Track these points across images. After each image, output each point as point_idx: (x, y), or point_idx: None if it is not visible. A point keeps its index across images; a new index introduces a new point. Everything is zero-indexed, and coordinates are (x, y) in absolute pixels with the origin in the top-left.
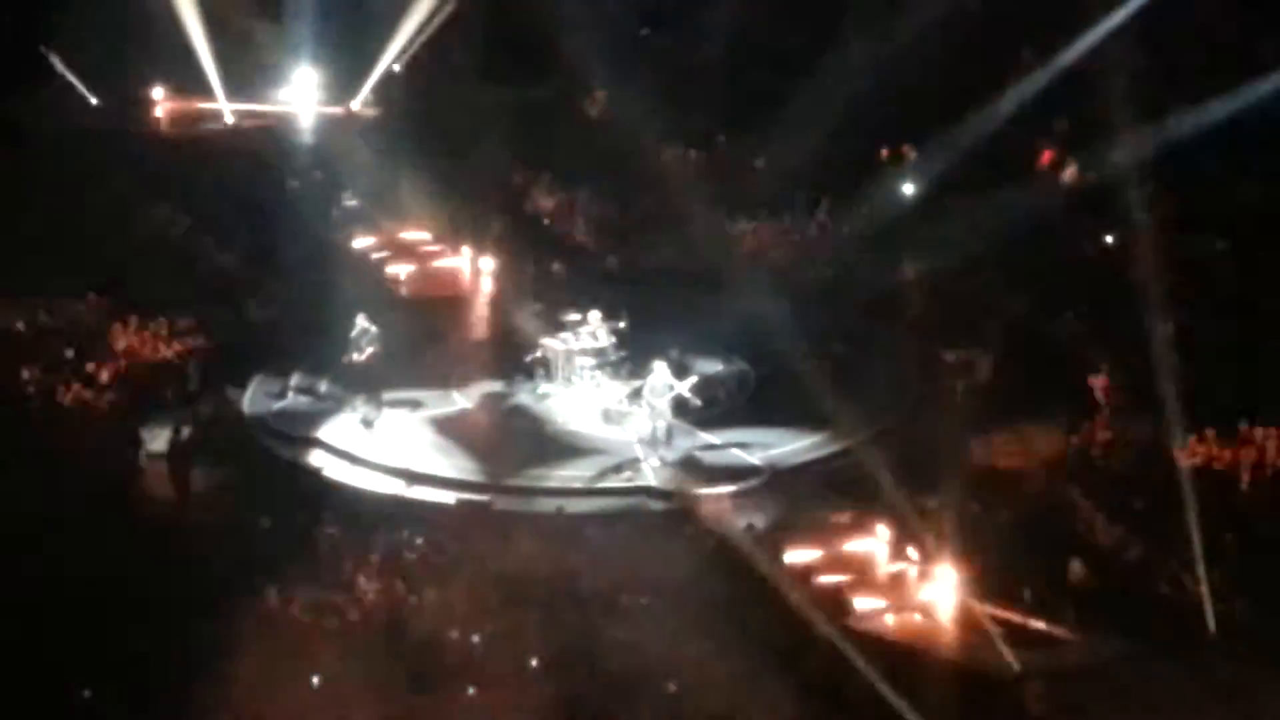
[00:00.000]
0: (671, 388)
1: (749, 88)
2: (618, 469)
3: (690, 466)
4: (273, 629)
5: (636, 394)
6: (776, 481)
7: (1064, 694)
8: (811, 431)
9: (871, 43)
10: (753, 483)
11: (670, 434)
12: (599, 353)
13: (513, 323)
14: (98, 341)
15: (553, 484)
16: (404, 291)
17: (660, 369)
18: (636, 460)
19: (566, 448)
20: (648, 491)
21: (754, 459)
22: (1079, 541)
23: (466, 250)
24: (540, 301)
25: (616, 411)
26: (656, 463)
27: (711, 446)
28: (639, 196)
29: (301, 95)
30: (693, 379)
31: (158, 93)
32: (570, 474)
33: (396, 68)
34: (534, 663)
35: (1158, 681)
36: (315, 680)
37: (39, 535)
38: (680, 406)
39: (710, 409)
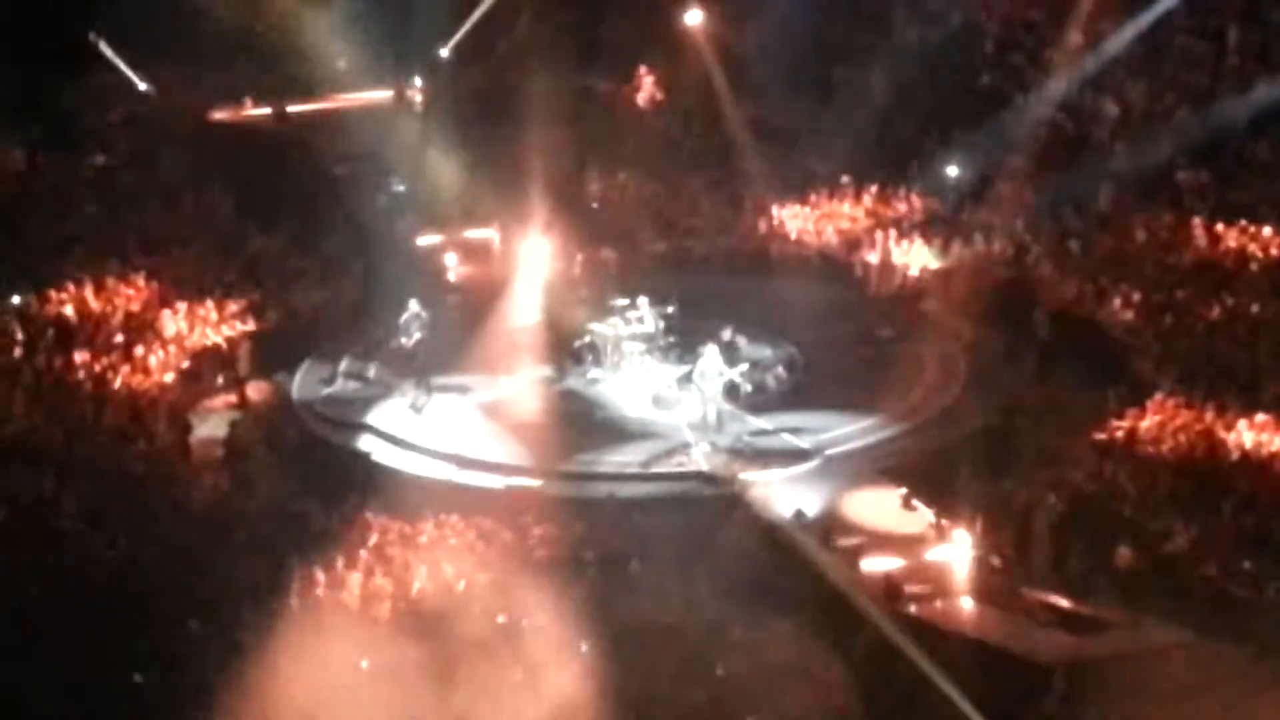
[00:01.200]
0: (722, 373)
1: (800, 74)
2: (669, 454)
3: (742, 451)
4: (322, 614)
5: (686, 379)
6: (828, 466)
7: (1112, 681)
8: (861, 416)
9: (921, 27)
10: (805, 467)
11: (721, 419)
12: (647, 338)
13: (561, 308)
14: (147, 327)
15: (604, 469)
16: (452, 276)
17: (711, 353)
18: (688, 445)
19: (617, 433)
20: (700, 476)
21: (805, 443)
22: (1127, 527)
23: (515, 235)
24: (589, 286)
25: (667, 397)
26: (708, 448)
27: (763, 431)
28: (686, 182)
29: (349, 79)
30: (744, 365)
31: (206, 79)
32: (622, 459)
33: (444, 53)
34: (583, 647)
35: (1206, 668)
36: (364, 663)
37: (91, 520)
38: (730, 390)
39: (760, 393)
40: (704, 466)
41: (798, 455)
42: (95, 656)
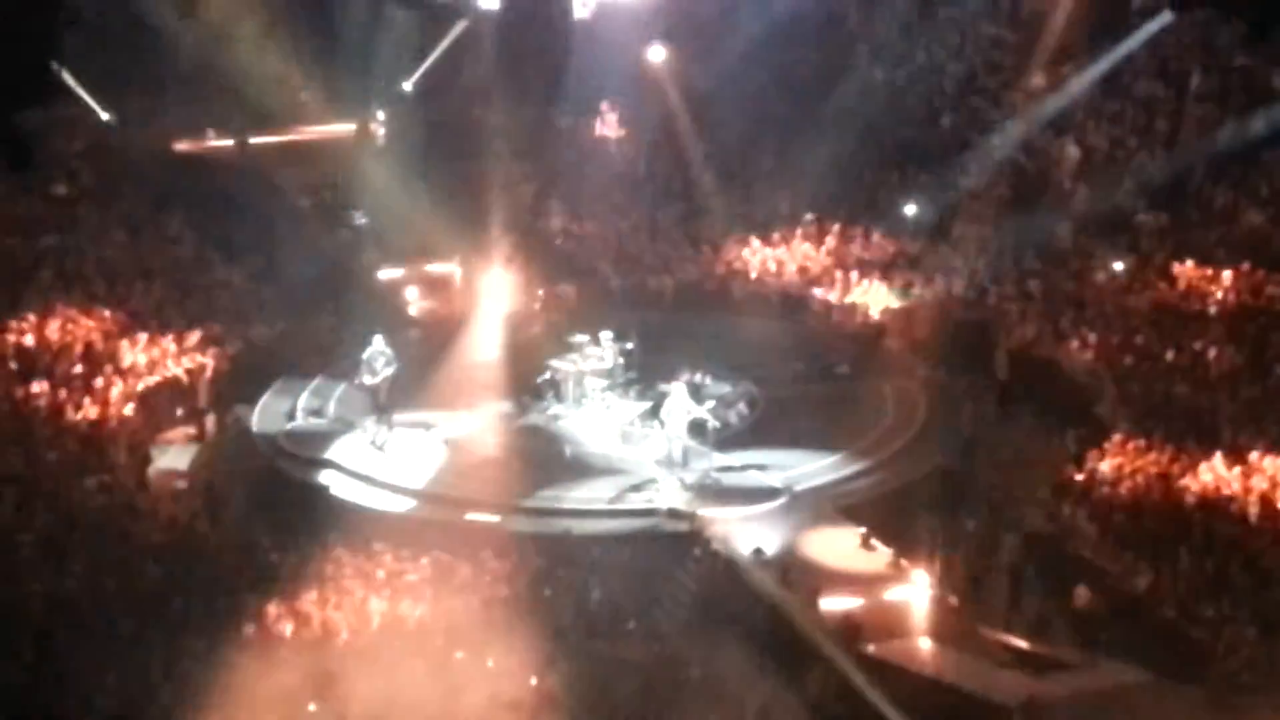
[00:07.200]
0: (689, 410)
1: (763, 112)
2: (636, 490)
3: (708, 488)
4: (278, 648)
5: (650, 414)
6: (790, 503)
7: None
8: (822, 454)
9: (884, 67)
10: (773, 504)
11: (686, 455)
12: (608, 373)
13: (522, 344)
14: (107, 358)
15: (569, 505)
16: (414, 310)
17: (678, 391)
18: (654, 481)
19: (579, 469)
20: (659, 513)
21: (773, 480)
22: (1085, 568)
23: (477, 269)
24: (549, 322)
25: (633, 433)
26: (675, 484)
27: (728, 468)
28: (648, 218)
29: (312, 112)
30: (710, 402)
31: (168, 110)
32: (584, 495)
33: (408, 86)
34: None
35: (1163, 708)
36: (311, 707)
37: (48, 552)
38: (697, 428)
39: (724, 430)
40: (671, 503)
41: (766, 493)
42: (47, 690)
